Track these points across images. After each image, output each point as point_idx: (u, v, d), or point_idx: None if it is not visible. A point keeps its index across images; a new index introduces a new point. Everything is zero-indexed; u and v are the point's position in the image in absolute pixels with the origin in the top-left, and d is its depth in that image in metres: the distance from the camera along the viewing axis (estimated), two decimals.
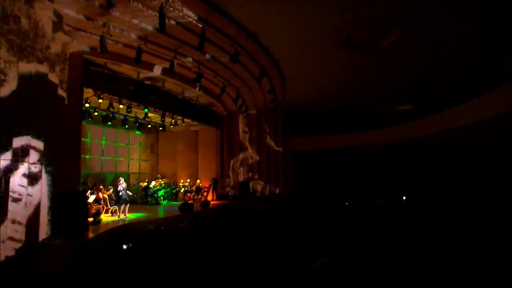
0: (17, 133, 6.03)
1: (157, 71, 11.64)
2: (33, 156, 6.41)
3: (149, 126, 17.78)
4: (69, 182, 8.34)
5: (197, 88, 12.78)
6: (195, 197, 16.47)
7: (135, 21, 8.76)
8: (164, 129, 17.80)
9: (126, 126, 16.07)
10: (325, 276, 2.86)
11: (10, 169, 5.88)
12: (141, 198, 15.60)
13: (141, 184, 16.15)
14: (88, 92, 10.96)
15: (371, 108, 19.50)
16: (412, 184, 15.08)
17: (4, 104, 5.77)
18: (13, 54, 6.00)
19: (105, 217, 10.62)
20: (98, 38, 8.52)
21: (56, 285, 4.40)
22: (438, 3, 8.94)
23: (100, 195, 11.20)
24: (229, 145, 18.22)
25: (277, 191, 17.93)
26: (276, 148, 18.56)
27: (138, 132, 18.28)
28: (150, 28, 9.10)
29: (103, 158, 16.21)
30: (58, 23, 7.64)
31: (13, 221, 5.83)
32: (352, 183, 17.90)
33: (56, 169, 7.34)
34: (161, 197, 15.69)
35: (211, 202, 14.42)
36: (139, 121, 16.43)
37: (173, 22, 9.02)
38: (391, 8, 9.18)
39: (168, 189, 16.56)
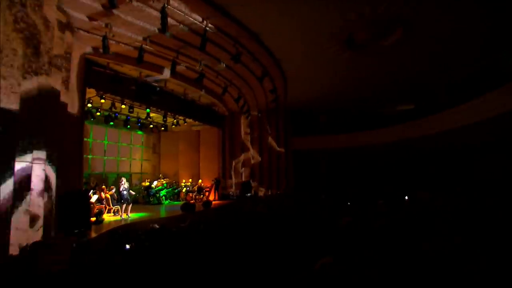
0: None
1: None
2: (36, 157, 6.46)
3: (151, 126, 17.83)
4: (72, 182, 8.40)
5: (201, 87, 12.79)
6: (197, 197, 16.52)
7: (138, 22, 8.78)
8: (166, 129, 17.86)
9: (128, 126, 16.14)
10: (327, 276, 2.87)
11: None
12: (143, 198, 15.65)
13: (143, 184, 16.20)
14: (90, 92, 11.01)
15: (372, 108, 19.49)
16: (412, 184, 15.05)
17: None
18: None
19: (107, 217, 10.67)
20: (101, 38, 8.58)
21: (57, 285, 4.42)
22: (439, 3, 8.93)
23: (103, 194, 11.26)
24: (231, 145, 18.25)
25: (277, 191, 17.93)
26: (278, 149, 18.57)
27: (140, 132, 18.34)
28: (155, 29, 9.12)
29: (105, 158, 16.27)
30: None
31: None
32: (353, 183, 17.88)
33: (59, 169, 7.40)
34: (163, 197, 15.73)
35: (213, 202, 14.45)
36: (141, 121, 16.50)
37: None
38: (392, 8, 9.17)
39: (170, 189, 16.61)
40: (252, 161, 18.04)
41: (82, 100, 9.44)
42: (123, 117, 15.19)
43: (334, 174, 19.95)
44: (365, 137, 18.98)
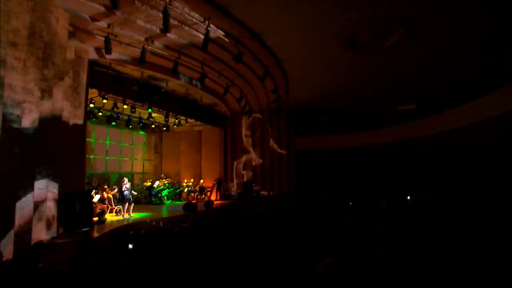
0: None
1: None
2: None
3: (153, 126, 17.89)
4: (74, 182, 8.44)
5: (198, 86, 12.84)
6: (199, 197, 16.53)
7: (139, 22, 8.81)
8: (167, 129, 17.90)
9: (130, 126, 16.19)
10: (329, 275, 2.88)
11: None
12: (145, 197, 15.68)
13: (145, 184, 16.23)
14: (92, 93, 11.04)
15: (374, 108, 19.45)
16: (414, 184, 15.04)
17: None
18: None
19: (109, 217, 10.70)
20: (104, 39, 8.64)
21: (59, 285, 4.44)
22: (440, 3, 8.92)
23: (105, 194, 11.28)
24: (232, 145, 18.26)
25: (279, 190, 17.92)
26: (280, 151, 18.56)
27: (142, 132, 18.39)
28: (157, 30, 9.15)
29: (107, 158, 16.33)
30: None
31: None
32: (354, 183, 17.86)
33: (61, 170, 7.46)
34: (165, 197, 15.75)
35: (215, 202, 14.45)
36: (143, 121, 16.55)
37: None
38: (394, 8, 9.16)
39: (172, 189, 16.62)
40: (254, 162, 18.04)
41: (85, 101, 9.50)
42: (125, 117, 15.24)
43: (336, 174, 19.92)
44: (366, 137, 18.96)
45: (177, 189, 17.03)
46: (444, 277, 3.02)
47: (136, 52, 9.91)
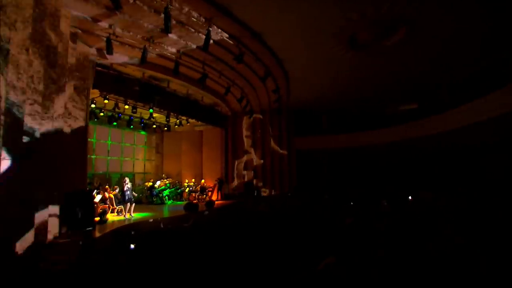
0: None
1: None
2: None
3: (154, 126, 17.92)
4: (76, 182, 8.48)
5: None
6: (200, 197, 16.55)
7: (141, 23, 8.83)
8: (169, 129, 17.93)
9: (131, 127, 16.22)
10: (331, 276, 2.88)
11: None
12: (146, 198, 15.71)
13: (146, 184, 16.26)
14: (94, 93, 11.07)
15: (375, 108, 19.45)
16: (415, 184, 15.02)
17: None
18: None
19: (111, 217, 10.73)
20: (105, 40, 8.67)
21: (60, 284, 4.45)
22: (442, 3, 8.91)
23: (106, 194, 11.31)
24: (233, 145, 18.28)
25: (280, 190, 17.93)
26: (281, 151, 18.56)
27: (143, 132, 18.42)
28: (158, 30, 9.17)
29: (109, 158, 16.36)
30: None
31: None
32: (355, 183, 17.86)
33: (64, 170, 7.49)
34: (166, 197, 15.78)
35: (216, 202, 14.47)
36: (144, 121, 16.57)
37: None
38: (395, 8, 9.16)
39: (173, 189, 16.65)
40: (255, 163, 18.06)
41: (87, 102, 9.56)
42: (126, 117, 15.27)
43: (337, 174, 19.92)
44: (367, 137, 18.95)
45: (178, 189, 17.05)
46: (444, 277, 3.03)
47: (138, 53, 9.94)
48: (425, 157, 16.74)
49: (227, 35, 10.14)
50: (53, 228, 7.17)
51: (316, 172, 20.35)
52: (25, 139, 5.90)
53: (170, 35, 9.05)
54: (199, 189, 16.85)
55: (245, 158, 18.12)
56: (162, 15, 8.08)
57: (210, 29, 9.25)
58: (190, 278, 3.92)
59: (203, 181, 17.28)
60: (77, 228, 7.61)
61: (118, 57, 10.13)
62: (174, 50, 10.56)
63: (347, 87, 16.06)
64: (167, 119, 15.80)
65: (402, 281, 3.08)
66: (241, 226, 7.01)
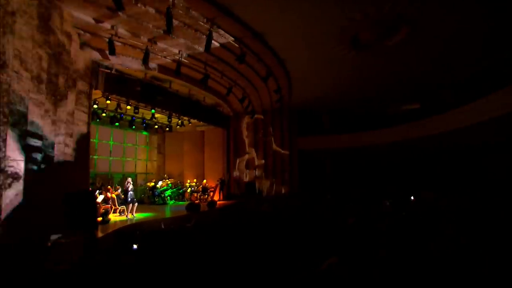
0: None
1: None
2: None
3: (156, 126, 17.95)
4: (79, 183, 8.54)
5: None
6: (202, 197, 16.57)
7: (143, 23, 8.87)
8: (170, 130, 17.96)
9: (133, 127, 16.25)
10: (334, 275, 2.89)
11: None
12: (148, 198, 15.74)
13: (148, 184, 16.29)
14: (96, 93, 11.10)
15: (377, 107, 19.41)
16: (417, 184, 15.00)
17: None
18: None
19: (113, 217, 10.76)
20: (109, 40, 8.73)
21: (64, 284, 4.47)
22: (443, 3, 8.89)
23: (109, 195, 11.34)
24: (235, 146, 18.29)
25: (283, 190, 17.93)
26: (282, 151, 18.56)
27: (145, 133, 18.45)
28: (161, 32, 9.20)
29: (111, 158, 16.39)
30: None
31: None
32: (358, 183, 17.84)
33: (66, 170, 7.56)
34: (168, 197, 15.81)
35: (218, 202, 14.49)
36: (146, 121, 16.61)
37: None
38: (397, 8, 9.14)
39: (175, 189, 16.68)
40: (257, 163, 18.06)
41: (89, 102, 9.63)
42: (128, 117, 15.30)
43: (339, 174, 19.90)
44: (369, 137, 18.91)
45: (180, 189, 17.08)
46: (446, 277, 3.03)
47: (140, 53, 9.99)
48: (427, 157, 16.71)
49: (232, 38, 10.16)
50: (56, 228, 7.19)
51: (318, 172, 20.33)
52: (32, 142, 5.98)
53: (172, 35, 9.07)
54: (201, 189, 16.87)
55: (246, 158, 18.12)
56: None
57: (212, 29, 9.26)
58: (192, 277, 3.93)
59: (205, 181, 17.30)
60: (79, 228, 7.64)
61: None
62: (176, 50, 10.59)
63: (349, 87, 16.03)
64: (169, 120, 15.82)
65: (404, 281, 3.08)
66: (243, 226, 7.03)
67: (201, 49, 10.14)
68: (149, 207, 14.11)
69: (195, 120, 16.65)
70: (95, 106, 12.17)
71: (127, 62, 10.57)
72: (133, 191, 10.98)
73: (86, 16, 8.15)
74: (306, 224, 6.71)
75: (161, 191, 15.65)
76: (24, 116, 5.83)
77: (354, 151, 19.48)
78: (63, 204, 7.40)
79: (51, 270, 5.15)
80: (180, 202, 15.90)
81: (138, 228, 8.60)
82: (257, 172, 18.00)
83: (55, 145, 7.22)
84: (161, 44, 10.12)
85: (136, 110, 13.71)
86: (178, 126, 17.54)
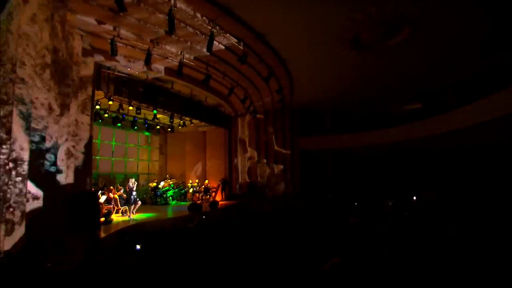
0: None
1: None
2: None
3: (158, 127, 17.97)
4: (81, 183, 8.61)
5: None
6: (204, 197, 16.59)
7: (145, 24, 8.90)
8: (172, 130, 18.00)
9: (136, 127, 16.29)
10: (337, 275, 2.90)
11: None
12: (150, 198, 15.77)
13: (150, 184, 16.33)
14: (99, 94, 11.14)
15: (379, 107, 19.39)
16: (419, 184, 14.98)
17: None
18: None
19: (115, 217, 10.79)
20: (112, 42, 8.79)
21: (67, 284, 4.49)
22: (445, 3, 8.87)
23: (111, 195, 11.37)
24: (237, 146, 18.30)
25: (284, 190, 17.92)
26: (284, 151, 18.56)
27: (147, 133, 18.50)
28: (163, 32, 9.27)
29: (113, 159, 16.44)
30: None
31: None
32: (359, 183, 17.83)
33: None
34: (170, 198, 15.83)
35: (220, 203, 14.50)
36: (148, 122, 16.64)
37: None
38: (399, 8, 9.13)
39: (177, 189, 16.71)
40: (258, 163, 18.07)
41: (92, 103, 9.71)
42: (131, 118, 15.35)
43: (341, 174, 19.89)
44: (371, 137, 18.90)
45: (182, 189, 17.10)
46: (448, 277, 3.03)
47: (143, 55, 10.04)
48: (429, 157, 16.69)
49: (233, 39, 10.18)
50: (59, 228, 7.23)
51: (320, 172, 20.33)
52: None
53: (174, 36, 9.11)
54: (203, 189, 16.89)
55: (248, 157, 18.14)
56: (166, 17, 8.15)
57: (214, 30, 9.28)
58: (194, 277, 3.95)
59: (206, 181, 17.32)
60: (82, 229, 7.67)
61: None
62: (178, 51, 10.62)
63: (351, 87, 16.03)
64: (171, 120, 15.86)
65: (406, 281, 3.08)
66: (245, 226, 7.04)
67: (203, 49, 10.15)
68: (151, 207, 14.13)
69: (197, 121, 16.67)
70: (97, 107, 12.21)
71: (130, 64, 10.61)
72: (136, 191, 11.03)
73: (89, 18, 8.21)
74: (308, 224, 6.71)
75: (163, 191, 15.68)
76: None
77: (356, 151, 19.47)
78: (67, 204, 7.44)
79: (54, 270, 5.17)
80: (182, 203, 15.91)
81: (140, 228, 8.63)
82: (258, 172, 18.00)
83: (64, 149, 7.37)
84: (163, 45, 10.16)
85: (138, 111, 13.75)
86: (180, 127, 17.57)
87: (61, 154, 7.16)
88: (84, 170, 8.78)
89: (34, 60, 5.90)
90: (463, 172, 14.58)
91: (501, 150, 12.94)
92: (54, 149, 6.78)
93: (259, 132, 18.14)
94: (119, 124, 15.13)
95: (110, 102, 12.19)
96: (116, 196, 11.50)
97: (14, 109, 5.46)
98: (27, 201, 5.83)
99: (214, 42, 9.58)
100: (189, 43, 10.14)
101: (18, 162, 5.52)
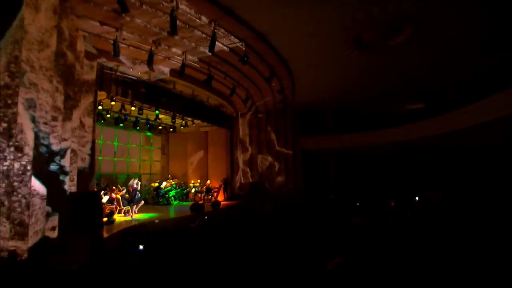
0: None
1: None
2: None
3: (160, 127, 18.03)
4: (84, 184, 8.69)
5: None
6: (206, 197, 16.62)
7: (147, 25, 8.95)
8: (174, 130, 18.03)
9: (138, 128, 16.34)
10: (339, 276, 2.91)
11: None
12: (153, 198, 15.82)
13: (153, 184, 16.38)
14: (101, 95, 11.18)
15: (380, 107, 19.36)
16: (421, 185, 14.95)
17: None
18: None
19: (117, 217, 10.84)
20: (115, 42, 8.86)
21: (71, 284, 4.52)
22: (447, 3, 8.86)
23: (113, 195, 11.42)
24: (238, 146, 18.33)
25: (286, 190, 17.93)
26: (286, 151, 18.57)
27: (149, 134, 18.54)
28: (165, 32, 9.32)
29: (116, 159, 16.50)
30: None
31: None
32: (361, 183, 17.81)
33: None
34: (172, 198, 15.87)
35: (222, 203, 14.53)
36: (150, 122, 16.69)
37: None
38: (401, 7, 9.13)
39: (179, 189, 16.75)
40: (259, 162, 18.10)
41: (94, 103, 9.78)
42: (133, 118, 15.40)
43: (343, 174, 19.88)
44: (373, 137, 18.86)
45: (184, 189, 17.14)
46: (451, 277, 3.04)
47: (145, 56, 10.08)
48: (431, 157, 16.66)
49: (235, 40, 10.20)
50: (63, 229, 7.28)
51: (321, 172, 20.32)
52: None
53: (176, 37, 9.14)
54: (205, 189, 16.92)
55: (248, 156, 18.17)
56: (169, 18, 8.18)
57: (216, 31, 9.30)
58: (197, 277, 3.96)
59: (208, 181, 17.35)
60: (85, 229, 7.71)
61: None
62: (180, 52, 10.66)
63: (352, 86, 16.02)
64: (173, 120, 15.90)
65: (408, 281, 3.09)
66: (247, 226, 7.05)
67: (205, 50, 10.18)
68: (153, 207, 14.19)
69: (199, 121, 16.71)
70: (99, 107, 12.26)
71: (132, 64, 10.67)
72: (139, 191, 11.10)
73: (92, 20, 8.26)
74: (310, 224, 6.72)
75: (165, 191, 15.72)
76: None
77: (357, 151, 19.44)
78: (69, 205, 7.48)
79: (58, 270, 5.20)
80: (184, 203, 15.95)
81: (143, 228, 8.66)
82: (260, 172, 18.02)
83: (70, 151, 7.50)
84: (165, 46, 10.19)
85: (140, 111, 13.79)
86: (182, 127, 17.62)
87: (67, 156, 7.23)
88: (89, 172, 8.94)
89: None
90: (465, 172, 14.55)
91: (503, 150, 12.92)
92: (62, 151, 6.86)
93: (260, 132, 18.16)
94: (121, 125, 15.18)
95: (113, 103, 12.24)
96: (118, 196, 11.56)
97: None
98: (33, 201, 5.86)
99: (216, 42, 9.60)
100: (191, 44, 10.16)
101: (26, 164, 5.57)
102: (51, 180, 6.50)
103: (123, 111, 13.76)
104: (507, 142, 12.58)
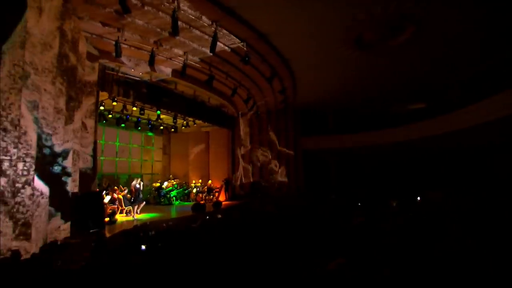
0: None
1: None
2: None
3: (162, 127, 18.07)
4: (86, 184, 8.73)
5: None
6: (207, 197, 16.65)
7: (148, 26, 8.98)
8: (176, 131, 18.07)
9: (139, 128, 16.38)
10: (341, 276, 2.93)
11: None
12: (154, 198, 15.86)
13: (154, 184, 16.42)
14: (103, 95, 11.23)
15: (382, 107, 19.36)
16: (422, 184, 14.94)
17: None
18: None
19: (119, 217, 10.87)
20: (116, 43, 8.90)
21: (73, 284, 4.54)
22: (448, 3, 8.87)
23: (115, 195, 11.46)
24: (240, 146, 18.35)
25: (287, 190, 17.95)
26: (287, 151, 18.59)
27: (150, 134, 18.59)
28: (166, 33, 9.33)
29: (117, 159, 16.55)
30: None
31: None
32: (363, 183, 17.81)
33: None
34: (174, 198, 15.91)
35: (223, 203, 14.54)
36: (152, 122, 16.73)
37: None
38: (402, 7, 9.14)
39: (181, 189, 16.78)
40: (259, 164, 18.13)
41: (96, 104, 9.82)
42: (134, 119, 15.45)
43: (344, 174, 19.88)
44: (374, 137, 18.87)
45: (185, 189, 17.18)
46: (452, 277, 3.06)
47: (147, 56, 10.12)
48: (432, 157, 16.64)
49: (237, 40, 10.23)
50: (65, 229, 7.32)
51: (323, 172, 20.32)
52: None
53: (177, 37, 9.17)
54: (206, 189, 16.95)
55: (249, 156, 18.20)
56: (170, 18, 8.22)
57: (217, 31, 9.33)
58: (198, 277, 3.99)
59: (210, 181, 17.38)
60: (87, 229, 7.76)
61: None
62: (181, 52, 10.69)
63: (353, 87, 16.02)
64: (174, 121, 15.95)
65: (409, 281, 3.11)
66: (249, 226, 7.07)
67: (206, 50, 10.21)
68: (154, 207, 14.22)
69: (200, 121, 16.74)
70: (101, 107, 12.31)
71: (134, 65, 10.73)
72: (142, 191, 11.16)
73: (94, 21, 8.30)
74: (311, 224, 6.73)
75: (166, 191, 15.76)
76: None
77: (358, 151, 19.45)
78: (72, 205, 7.53)
79: (61, 270, 5.24)
80: (186, 203, 15.99)
81: (145, 228, 8.68)
82: (262, 172, 18.05)
83: (73, 152, 7.55)
84: (166, 46, 10.23)
85: (142, 112, 13.84)
86: (183, 127, 17.66)
87: (70, 157, 7.28)
88: (91, 172, 9.03)
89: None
90: (466, 172, 14.54)
91: (504, 150, 12.90)
92: (64, 152, 6.91)
93: (261, 131, 18.17)
94: (123, 125, 15.23)
95: (114, 103, 12.29)
96: (120, 196, 11.60)
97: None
98: (37, 202, 5.91)
99: (218, 43, 9.63)
100: (192, 44, 10.19)
101: (29, 165, 5.62)
102: (54, 181, 6.56)
103: (124, 112, 13.81)
104: (508, 142, 12.57)
